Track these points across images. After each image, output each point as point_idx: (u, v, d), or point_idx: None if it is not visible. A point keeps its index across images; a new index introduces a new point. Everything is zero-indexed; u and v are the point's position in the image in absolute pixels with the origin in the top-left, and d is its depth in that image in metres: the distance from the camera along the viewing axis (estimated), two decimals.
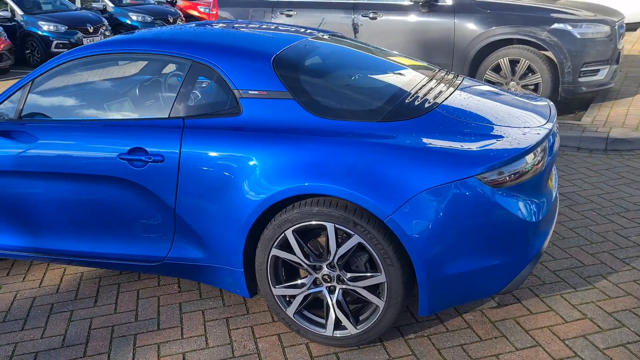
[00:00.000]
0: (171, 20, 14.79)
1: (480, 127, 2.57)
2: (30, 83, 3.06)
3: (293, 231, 2.50)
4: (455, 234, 2.35)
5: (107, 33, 13.65)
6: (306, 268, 2.56)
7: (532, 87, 6.08)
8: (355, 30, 6.90)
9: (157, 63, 2.90)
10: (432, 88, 2.90)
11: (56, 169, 2.86)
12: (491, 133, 2.53)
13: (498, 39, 6.14)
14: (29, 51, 12.80)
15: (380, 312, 2.49)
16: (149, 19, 14.48)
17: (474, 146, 2.41)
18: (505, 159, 2.35)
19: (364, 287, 2.49)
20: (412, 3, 6.48)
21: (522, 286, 3.03)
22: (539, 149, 2.49)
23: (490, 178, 2.33)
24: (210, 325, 2.82)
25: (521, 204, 2.43)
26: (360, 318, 2.57)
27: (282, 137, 2.55)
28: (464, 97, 2.89)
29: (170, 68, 2.84)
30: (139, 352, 2.65)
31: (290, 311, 2.63)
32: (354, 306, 2.61)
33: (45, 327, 2.87)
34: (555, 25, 5.93)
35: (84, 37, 13.02)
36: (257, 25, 3.41)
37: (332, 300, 2.55)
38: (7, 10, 12.74)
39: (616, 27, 6.08)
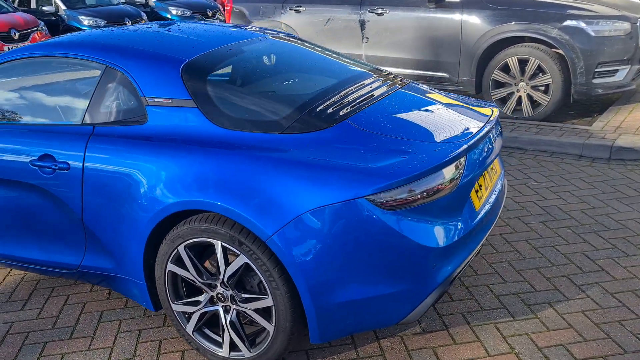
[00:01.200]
0: (210, 14, 14.84)
1: (389, 141, 2.37)
2: None
3: (185, 247, 2.39)
4: (344, 259, 2.17)
5: (221, 18, 13.99)
6: (199, 286, 2.45)
7: (543, 88, 5.70)
8: (362, 26, 6.68)
9: (78, 67, 2.85)
10: (358, 96, 2.70)
11: None
12: (399, 148, 2.32)
13: (507, 36, 5.78)
14: None
15: (270, 337, 2.34)
16: (187, 12, 14.59)
17: (372, 163, 2.22)
18: (403, 179, 2.15)
19: (254, 310, 2.36)
20: None
21: (456, 311, 2.80)
22: (450, 167, 2.28)
23: (384, 199, 2.14)
24: (121, 337, 2.76)
25: (422, 228, 2.22)
26: (256, 341, 2.44)
27: (179, 147, 2.44)
28: (390, 107, 2.68)
29: (90, 73, 2.78)
30: None
31: (190, 328, 2.53)
32: (254, 329, 2.48)
33: None
34: (568, 22, 5.52)
35: (204, 20, 13.37)
36: (197, 27, 3.28)
37: (226, 321, 2.43)
38: (52, 6, 13.21)
39: (638, 23, 5.60)
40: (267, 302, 2.29)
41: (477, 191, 2.54)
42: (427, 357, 2.51)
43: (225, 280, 2.36)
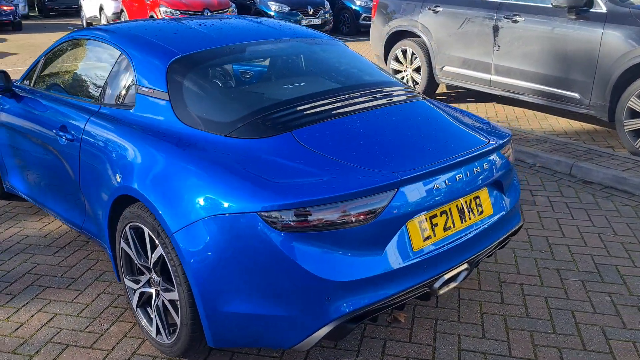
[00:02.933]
0: (310, 12, 13.93)
1: (320, 160, 2.26)
2: (43, 59, 3.65)
3: (130, 227, 2.56)
4: (233, 272, 2.15)
5: (327, 16, 14.45)
6: (138, 266, 2.61)
7: None
8: (495, 32, 6.21)
9: (107, 51, 3.16)
10: (329, 107, 2.60)
11: (30, 132, 3.38)
12: (324, 169, 2.20)
13: None
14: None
15: (177, 329, 2.42)
16: (286, 9, 13.84)
17: (282, 180, 2.15)
18: (298, 201, 2.04)
19: (169, 300, 2.45)
20: (559, 6, 5.56)
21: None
22: (364, 199, 2.10)
23: (276, 219, 2.06)
24: (101, 298, 3.06)
25: (319, 257, 2.09)
26: (174, 330, 2.52)
27: (142, 137, 2.60)
28: (359, 124, 2.53)
29: (111, 58, 3.08)
30: None
31: (134, 304, 2.71)
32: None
33: None
34: None
35: (303, 19, 14.04)
36: (225, 24, 3.36)
37: (154, 304, 2.56)
38: None
39: None
40: (174, 295, 2.37)
41: (426, 228, 2.29)
42: None
43: (152, 266, 2.49)
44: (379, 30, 7.88)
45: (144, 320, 2.67)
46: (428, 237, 2.32)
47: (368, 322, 2.76)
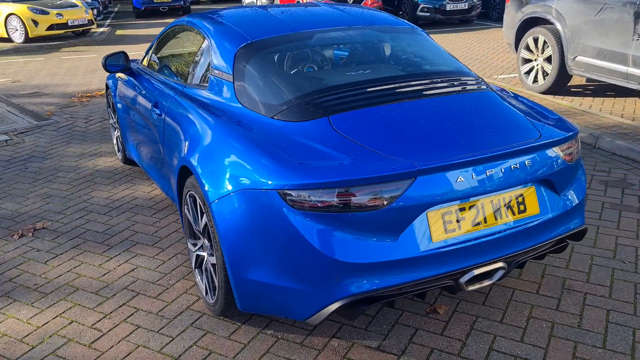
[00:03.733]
0: None
1: (347, 145, 2.34)
2: (156, 42, 4.11)
3: (189, 196, 2.85)
4: (255, 243, 2.32)
5: (475, 0, 13.94)
6: (195, 231, 2.90)
7: None
8: (637, 20, 5.63)
9: (197, 37, 3.47)
10: (374, 95, 2.65)
11: (138, 106, 3.86)
12: (347, 154, 2.29)
13: None
14: (401, 12, 14.40)
15: (216, 292, 2.66)
16: None
17: (305, 161, 2.27)
18: (313, 183, 2.15)
19: (212, 264, 2.69)
20: None
21: None
22: (377, 185, 2.14)
23: (294, 198, 2.19)
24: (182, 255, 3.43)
25: (330, 237, 2.19)
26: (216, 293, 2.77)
27: (205, 114, 2.86)
28: (400, 112, 2.55)
29: (201, 44, 3.38)
30: None
31: (192, 265, 3.02)
32: None
33: None
34: None
35: (449, 3, 13.71)
36: (305, 11, 3.48)
37: (204, 266, 2.84)
38: None
39: None
40: (213, 260, 2.61)
41: (451, 221, 2.27)
42: None
43: (201, 231, 2.75)
44: (511, 17, 7.50)
45: (198, 280, 2.96)
46: (452, 230, 2.29)
47: (397, 308, 2.80)
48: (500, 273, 2.49)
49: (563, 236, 2.61)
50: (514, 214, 2.42)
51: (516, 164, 2.37)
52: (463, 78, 2.97)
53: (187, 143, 2.84)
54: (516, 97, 3.03)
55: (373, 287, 2.22)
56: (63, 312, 2.91)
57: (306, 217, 2.19)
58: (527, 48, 7.17)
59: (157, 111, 3.39)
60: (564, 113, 5.97)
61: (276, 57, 3.00)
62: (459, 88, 2.83)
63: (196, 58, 3.33)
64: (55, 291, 3.10)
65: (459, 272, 2.34)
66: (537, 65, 7.09)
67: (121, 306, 2.95)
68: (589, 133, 5.27)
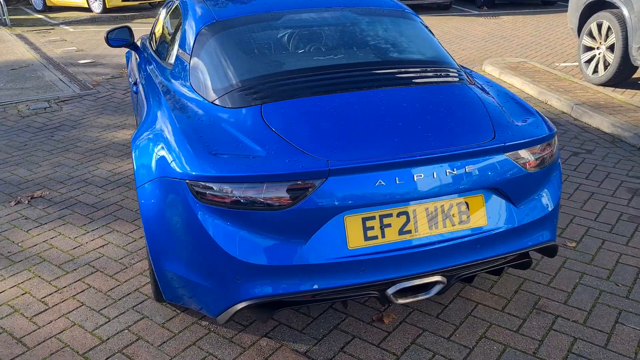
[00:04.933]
0: None
1: (267, 137, 2.18)
2: (155, 19, 4.07)
3: None
4: (167, 233, 2.23)
5: None
6: None
7: None
8: None
9: (179, 15, 3.34)
10: (321, 83, 2.46)
11: (135, 82, 3.86)
12: (264, 147, 2.13)
13: None
14: None
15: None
16: None
17: (221, 152, 2.13)
18: (218, 176, 2.02)
19: None
20: None
21: None
22: (283, 184, 1.98)
23: (201, 189, 2.07)
24: None
25: (234, 235, 2.06)
26: None
27: (156, 97, 2.79)
28: (347, 102, 2.35)
29: (179, 21, 3.27)
30: None
31: None
32: None
33: None
34: None
35: None
36: None
37: None
38: None
39: None
40: None
41: (373, 227, 2.07)
42: None
43: None
44: (576, 0, 6.87)
45: None
46: (373, 237, 2.08)
47: (341, 311, 2.63)
48: (437, 287, 2.26)
49: (520, 252, 2.32)
50: (453, 224, 2.17)
51: (455, 169, 2.12)
52: (436, 68, 2.70)
53: (138, 124, 2.78)
54: (498, 92, 2.72)
55: (278, 292, 2.08)
56: (22, 282, 2.97)
57: (211, 211, 2.07)
58: (590, 34, 6.55)
59: (135, 89, 3.36)
60: (616, 109, 5.40)
61: (236, 39, 2.84)
62: (423, 80, 2.57)
63: (175, 36, 3.25)
64: (24, 260, 3.18)
65: (383, 284, 2.14)
66: (598, 54, 6.46)
67: (76, 282, 2.97)
68: (634, 133, 4.73)
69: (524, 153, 2.25)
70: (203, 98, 2.53)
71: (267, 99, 2.38)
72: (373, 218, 2.08)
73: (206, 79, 2.61)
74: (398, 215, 2.10)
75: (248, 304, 2.09)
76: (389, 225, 2.10)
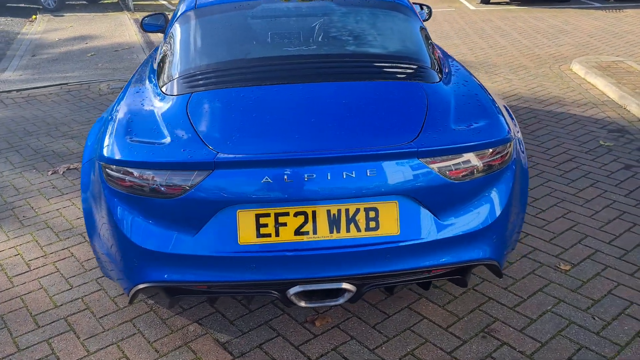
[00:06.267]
0: None
1: (180, 124, 2.21)
2: None
3: None
4: (91, 211, 2.33)
5: None
6: None
7: None
8: None
9: None
10: (264, 74, 2.43)
11: None
12: (172, 134, 2.15)
13: None
14: None
15: None
16: None
17: (135, 137, 2.18)
18: (117, 159, 2.07)
19: None
20: None
21: None
22: (166, 172, 2.00)
23: (109, 172, 2.14)
24: None
25: (131, 218, 2.11)
26: None
27: (131, 79, 2.91)
28: (278, 94, 2.32)
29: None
30: None
31: None
32: None
33: None
34: None
35: None
36: None
37: None
38: None
39: None
40: None
41: (267, 224, 2.01)
42: None
43: None
44: None
45: None
46: (266, 235, 2.03)
47: (280, 308, 2.59)
48: (348, 295, 2.14)
49: (446, 267, 2.13)
50: (359, 230, 2.04)
51: (358, 172, 1.98)
52: (396, 64, 2.53)
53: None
54: (466, 93, 2.48)
55: (172, 279, 2.10)
56: (20, 245, 3.27)
57: (115, 194, 2.13)
58: None
59: None
60: None
61: (203, 27, 2.84)
62: (371, 76, 2.44)
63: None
64: (32, 225, 3.48)
65: (280, 284, 2.08)
66: None
67: (63, 249, 3.21)
68: None
69: (448, 160, 2.05)
70: (156, 84, 2.60)
71: (200, 87, 2.39)
72: (268, 215, 2.02)
73: (163, 67, 2.68)
74: (295, 214, 2.02)
75: (144, 287, 2.14)
76: (284, 224, 2.02)
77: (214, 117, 2.21)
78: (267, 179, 1.96)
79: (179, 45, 2.72)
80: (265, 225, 2.02)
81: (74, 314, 2.66)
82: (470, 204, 2.15)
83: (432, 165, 2.03)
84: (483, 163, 2.10)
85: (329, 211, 2.03)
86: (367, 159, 1.98)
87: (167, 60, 2.70)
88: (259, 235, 2.03)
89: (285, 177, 1.97)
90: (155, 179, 2.02)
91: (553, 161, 4.14)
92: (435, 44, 3.07)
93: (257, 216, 2.02)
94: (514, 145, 2.27)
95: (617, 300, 2.61)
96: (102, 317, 2.63)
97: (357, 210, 2.04)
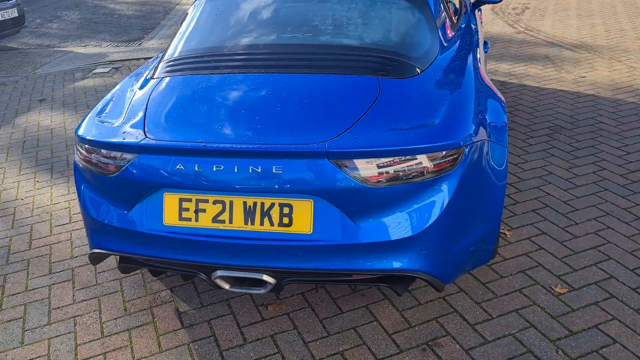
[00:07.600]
0: None
1: (142, 108, 2.38)
2: None
3: None
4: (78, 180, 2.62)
5: None
6: None
7: None
8: None
9: None
10: (238, 62, 2.52)
11: None
12: (130, 118, 2.33)
13: None
14: None
15: None
16: None
17: (106, 120, 2.40)
18: (85, 139, 2.29)
19: None
20: None
21: None
22: (108, 152, 2.19)
23: (77, 144, 2.39)
24: None
25: (89, 191, 2.38)
26: None
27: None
28: (227, 84, 2.40)
29: None
30: None
31: None
32: None
33: None
34: None
35: None
36: None
37: None
38: None
39: None
40: None
41: (188, 209, 2.12)
42: None
43: None
44: None
45: None
46: (187, 219, 2.14)
47: (240, 290, 2.66)
48: (268, 286, 2.19)
49: (365, 273, 2.07)
50: (272, 224, 2.06)
51: (264, 167, 1.99)
52: (366, 57, 2.43)
53: None
54: (448, 90, 2.31)
55: (114, 249, 2.30)
56: (75, 199, 3.74)
57: (77, 167, 2.39)
58: None
59: None
60: None
61: (203, 14, 2.96)
62: (338, 69, 2.39)
63: None
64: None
65: (202, 266, 2.19)
66: None
67: None
68: None
69: (366, 163, 1.97)
70: (155, 70, 2.79)
71: (176, 73, 2.53)
72: (189, 200, 2.12)
73: (166, 52, 2.86)
74: (214, 202, 2.10)
75: (95, 252, 2.37)
76: (203, 210, 2.11)
77: (165, 103, 2.35)
78: (180, 166, 2.06)
79: (183, 32, 2.90)
80: (187, 210, 2.13)
81: (80, 266, 3.01)
82: (392, 211, 2.03)
83: (345, 168, 1.97)
84: (407, 169, 1.98)
85: (245, 202, 2.07)
86: (270, 155, 1.98)
87: (169, 47, 2.89)
88: (181, 218, 2.14)
89: (196, 166, 2.04)
90: (97, 156, 2.22)
91: (625, 168, 3.63)
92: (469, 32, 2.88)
93: (181, 200, 2.13)
94: (465, 153, 2.09)
95: (599, 336, 2.30)
96: (100, 272, 2.95)
97: (272, 205, 2.05)
